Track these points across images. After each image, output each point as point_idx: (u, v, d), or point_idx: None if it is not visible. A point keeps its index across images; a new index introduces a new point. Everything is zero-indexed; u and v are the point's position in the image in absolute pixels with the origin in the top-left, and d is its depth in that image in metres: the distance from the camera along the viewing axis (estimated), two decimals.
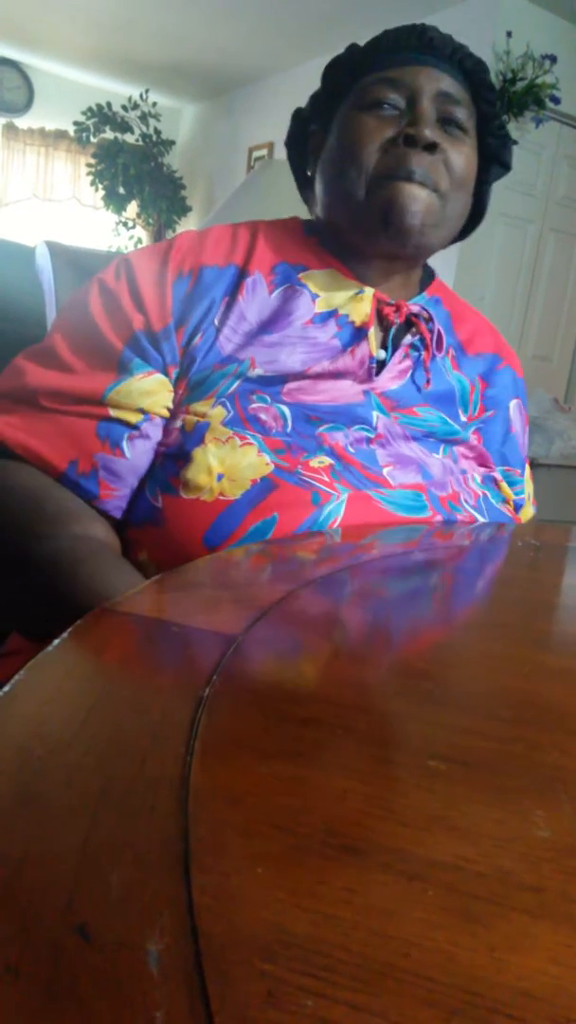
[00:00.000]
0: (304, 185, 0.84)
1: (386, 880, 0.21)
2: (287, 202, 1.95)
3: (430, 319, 0.77)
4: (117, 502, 0.68)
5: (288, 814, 0.24)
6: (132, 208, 5.97)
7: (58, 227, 6.16)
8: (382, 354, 0.75)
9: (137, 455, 0.68)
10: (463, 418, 0.80)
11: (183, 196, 5.96)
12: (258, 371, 0.69)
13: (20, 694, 0.30)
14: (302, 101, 0.82)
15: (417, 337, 0.76)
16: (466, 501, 0.75)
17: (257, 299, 0.72)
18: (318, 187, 0.78)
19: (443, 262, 3.56)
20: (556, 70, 3.59)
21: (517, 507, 0.85)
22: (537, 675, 0.38)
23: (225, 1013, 0.17)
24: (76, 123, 5.71)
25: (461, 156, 0.71)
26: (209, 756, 0.26)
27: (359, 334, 0.73)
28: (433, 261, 0.84)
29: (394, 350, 0.76)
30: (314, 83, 0.79)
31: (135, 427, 0.67)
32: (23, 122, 5.96)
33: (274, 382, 0.70)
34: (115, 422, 0.67)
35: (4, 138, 5.90)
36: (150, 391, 0.68)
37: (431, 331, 0.77)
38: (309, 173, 0.81)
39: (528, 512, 0.89)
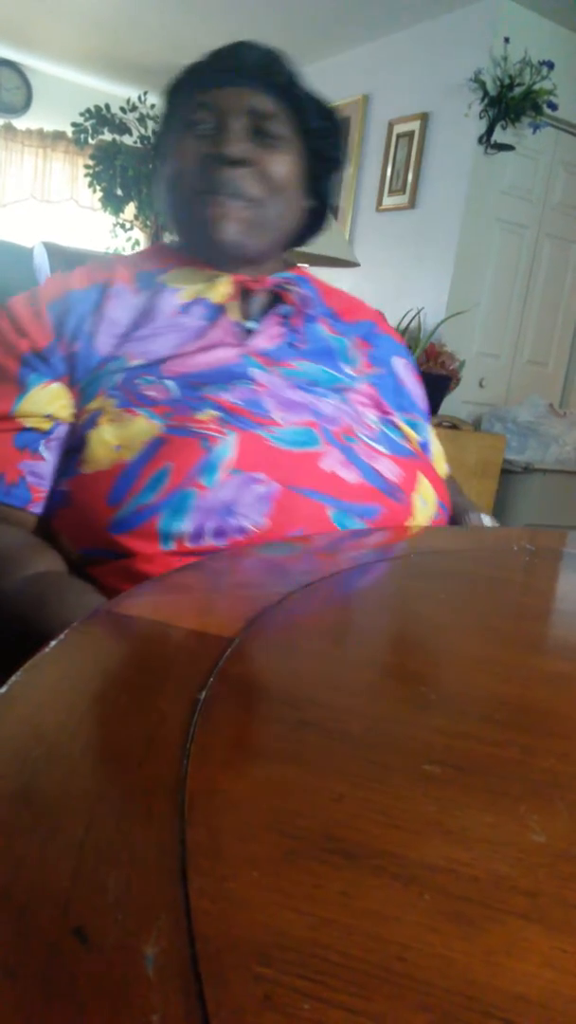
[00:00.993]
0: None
1: (382, 884, 0.21)
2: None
3: (287, 286, 0.83)
4: (45, 502, 0.74)
5: (284, 818, 0.24)
6: (130, 210, 5.96)
7: (56, 228, 6.16)
8: (253, 325, 0.80)
9: (54, 457, 0.74)
10: (348, 370, 0.83)
11: None
12: (136, 362, 0.75)
13: (17, 696, 0.30)
14: None
15: (285, 307, 0.82)
16: (362, 433, 0.76)
17: (123, 304, 0.78)
18: (163, 204, 0.85)
19: (439, 267, 3.57)
20: (553, 76, 3.60)
21: (424, 447, 0.86)
22: (532, 680, 0.38)
23: (222, 1016, 0.17)
24: (74, 124, 5.71)
25: (277, 164, 0.77)
26: (206, 759, 0.26)
27: (220, 309, 0.79)
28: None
29: (252, 317, 0.82)
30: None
31: (48, 432, 0.74)
32: (21, 123, 5.95)
33: (153, 366, 0.75)
34: (29, 431, 0.73)
35: (2, 139, 5.90)
36: (53, 398, 0.74)
37: (299, 297, 0.83)
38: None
39: (442, 468, 0.92)
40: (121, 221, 5.97)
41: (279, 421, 0.71)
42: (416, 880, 0.22)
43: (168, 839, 0.22)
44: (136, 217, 5.97)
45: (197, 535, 0.63)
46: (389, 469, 0.73)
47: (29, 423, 0.73)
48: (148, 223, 5.99)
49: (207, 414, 0.70)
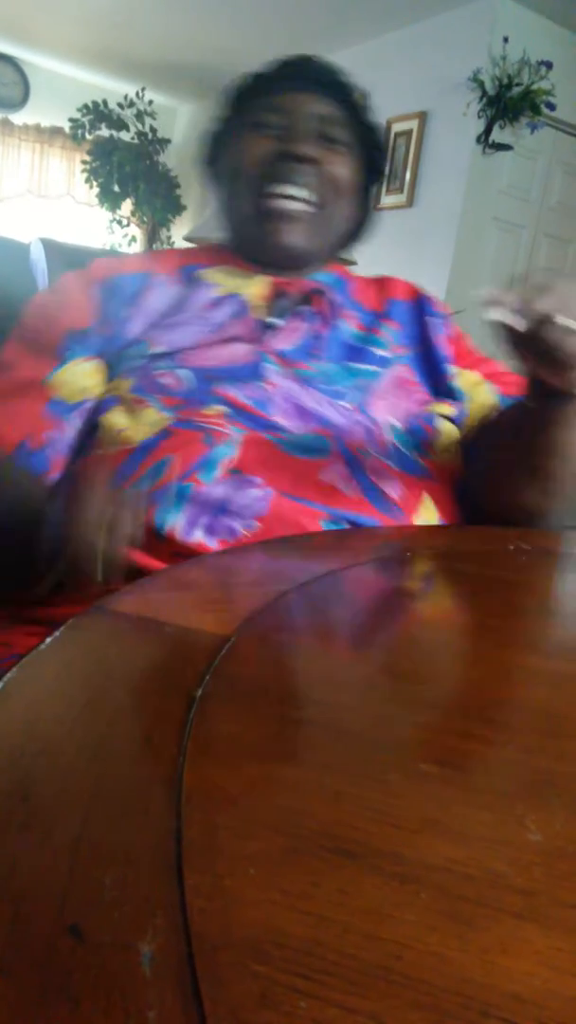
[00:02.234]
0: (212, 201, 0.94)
1: (378, 882, 0.21)
2: None
3: (321, 291, 0.83)
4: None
5: (281, 816, 0.24)
6: (127, 206, 5.95)
7: (52, 224, 6.14)
8: (278, 322, 0.81)
9: (75, 432, 0.75)
10: (381, 353, 0.83)
11: (178, 195, 5.95)
12: (157, 349, 0.76)
13: (12, 693, 0.30)
14: None
15: (311, 308, 0.83)
16: (374, 449, 0.76)
17: (160, 293, 0.81)
18: (216, 201, 0.88)
19: (436, 266, 3.57)
20: (552, 76, 3.60)
21: (458, 419, 0.85)
22: (529, 679, 0.38)
23: (218, 1014, 0.17)
24: (72, 120, 5.69)
25: (340, 167, 0.80)
26: (202, 757, 0.26)
27: (247, 306, 0.81)
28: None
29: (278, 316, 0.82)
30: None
31: (78, 405, 0.74)
32: (18, 118, 5.93)
33: (173, 355, 0.76)
34: (60, 402, 0.74)
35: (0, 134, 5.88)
36: (89, 375, 0.75)
37: (329, 302, 0.83)
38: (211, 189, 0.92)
39: (488, 399, 0.89)
40: (118, 217, 5.96)
41: (287, 425, 0.72)
42: (413, 879, 0.22)
43: (164, 837, 0.22)
44: (133, 213, 5.95)
45: (188, 529, 0.63)
46: (394, 488, 0.73)
47: (61, 393, 0.74)
48: (145, 219, 5.97)
49: (214, 409, 0.70)
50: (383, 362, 0.82)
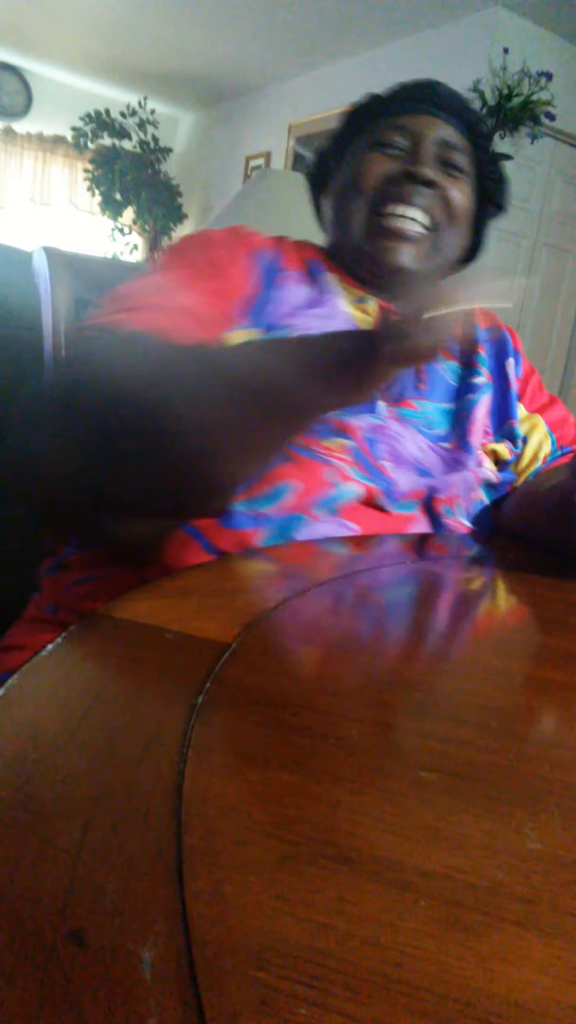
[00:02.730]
0: (320, 214, 0.92)
1: (378, 890, 0.21)
2: (283, 211, 1.96)
3: None
4: None
5: (281, 823, 0.24)
6: (128, 214, 5.98)
7: (54, 232, 6.17)
8: None
9: None
10: (477, 381, 0.83)
11: (179, 203, 5.98)
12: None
13: (14, 698, 0.30)
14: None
15: None
16: (460, 506, 0.76)
17: (293, 285, 0.78)
18: (326, 213, 0.86)
19: None
20: (552, 87, 3.62)
21: (510, 461, 0.85)
22: (528, 687, 0.38)
23: (218, 1020, 0.17)
24: (74, 128, 5.73)
25: (459, 193, 0.80)
26: (202, 763, 0.26)
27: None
28: None
29: None
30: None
31: None
32: (21, 126, 5.97)
33: None
34: None
35: (2, 142, 5.91)
36: None
37: None
38: (320, 203, 0.90)
39: (545, 449, 0.88)
40: (120, 225, 5.98)
41: (392, 474, 0.71)
42: (412, 886, 0.22)
43: (165, 843, 0.22)
44: (134, 221, 5.98)
45: None
46: None
47: None
48: (146, 227, 6.00)
49: (336, 443, 0.70)
50: (480, 389, 0.82)
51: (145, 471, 0.53)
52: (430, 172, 0.77)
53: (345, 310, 0.79)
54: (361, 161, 0.80)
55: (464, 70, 3.59)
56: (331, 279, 0.81)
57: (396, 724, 0.32)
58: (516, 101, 3.57)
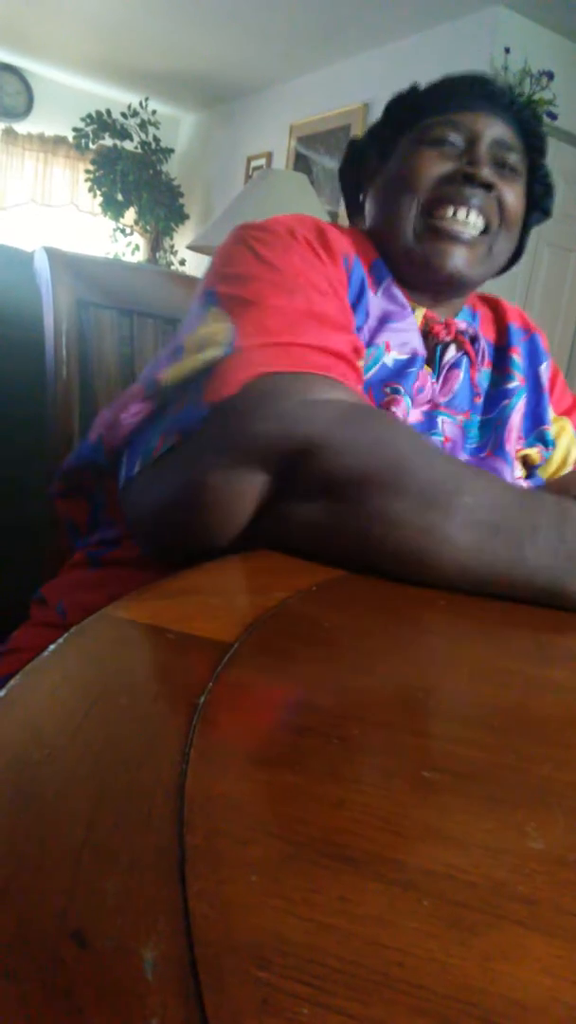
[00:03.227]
0: (355, 211, 0.88)
1: (380, 889, 0.21)
2: (285, 212, 1.96)
3: (475, 337, 0.80)
4: None
5: (283, 822, 0.24)
6: (130, 215, 5.99)
7: (56, 232, 6.17)
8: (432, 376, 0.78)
9: None
10: (512, 386, 0.82)
11: (181, 204, 5.98)
12: (393, 355, 0.72)
13: (16, 698, 0.30)
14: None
15: (461, 354, 0.79)
16: None
17: (367, 297, 0.74)
18: (371, 211, 0.82)
19: None
20: (553, 86, 3.62)
21: (539, 465, 0.86)
22: (531, 687, 0.38)
23: (220, 1020, 0.17)
24: (75, 129, 5.73)
25: (513, 196, 0.77)
26: (205, 763, 0.26)
27: (421, 359, 0.76)
28: None
29: (439, 367, 0.79)
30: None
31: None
32: (22, 127, 5.97)
33: (406, 367, 0.72)
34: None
35: (3, 143, 5.91)
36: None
37: (476, 350, 0.80)
38: (362, 198, 0.85)
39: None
40: (121, 226, 5.99)
41: None
42: (415, 886, 0.22)
43: (167, 843, 0.22)
44: (136, 222, 5.99)
45: None
46: None
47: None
48: (148, 228, 6.01)
49: None
50: (515, 395, 0.82)
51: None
52: (488, 173, 0.74)
53: (415, 322, 0.76)
54: (414, 158, 0.76)
55: (465, 70, 3.58)
56: (395, 287, 0.78)
57: (399, 724, 0.32)
58: None
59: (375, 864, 0.22)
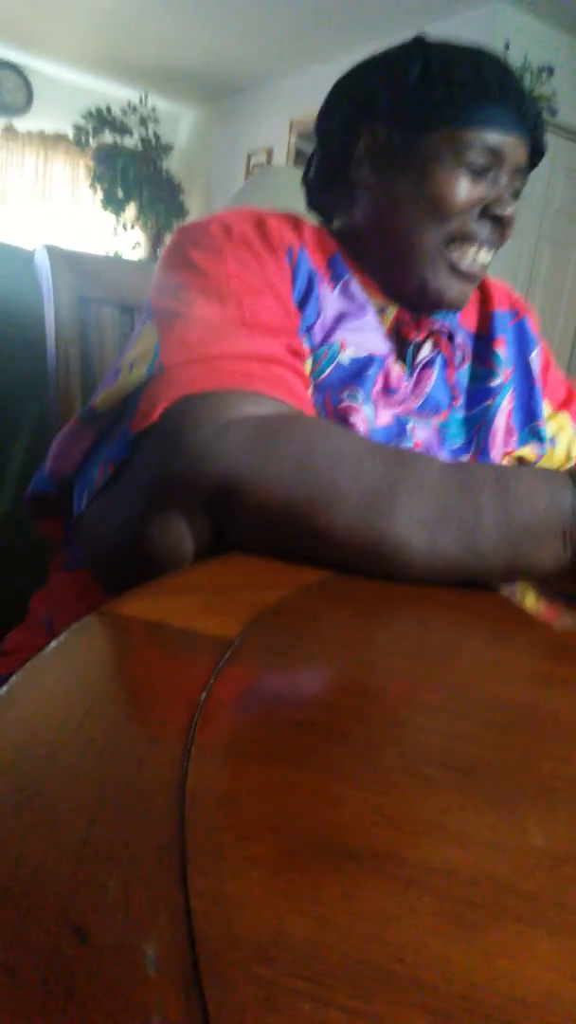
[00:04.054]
0: (327, 181, 0.80)
1: (382, 886, 0.21)
2: (285, 207, 1.96)
3: (452, 335, 0.77)
4: None
5: (285, 819, 0.24)
6: (130, 211, 5.98)
7: (56, 229, 6.17)
8: (407, 377, 0.75)
9: None
10: (494, 384, 0.79)
11: (181, 200, 5.98)
12: (350, 352, 0.70)
13: (17, 696, 0.30)
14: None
15: (436, 352, 0.76)
16: None
17: (324, 293, 0.71)
18: (368, 202, 0.74)
19: None
20: (553, 82, 3.61)
21: (535, 463, 0.84)
22: (532, 683, 0.38)
23: (222, 1016, 0.17)
24: (75, 126, 5.73)
25: (513, 218, 0.73)
26: (206, 760, 0.26)
27: (383, 359, 0.73)
28: None
29: (411, 366, 0.75)
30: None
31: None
32: (22, 124, 5.96)
33: (364, 368, 0.69)
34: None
35: (3, 140, 5.90)
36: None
37: (454, 348, 0.77)
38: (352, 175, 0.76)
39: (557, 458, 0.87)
40: (122, 222, 5.98)
41: None
42: (416, 882, 0.22)
43: (168, 840, 0.22)
44: (136, 218, 5.98)
45: None
46: None
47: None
48: (148, 224, 6.00)
49: None
50: (499, 393, 0.79)
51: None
52: (511, 210, 0.71)
53: (376, 322, 0.73)
54: (450, 183, 0.69)
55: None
56: (357, 284, 0.74)
57: (400, 720, 0.32)
58: None
59: (376, 861, 0.22)
